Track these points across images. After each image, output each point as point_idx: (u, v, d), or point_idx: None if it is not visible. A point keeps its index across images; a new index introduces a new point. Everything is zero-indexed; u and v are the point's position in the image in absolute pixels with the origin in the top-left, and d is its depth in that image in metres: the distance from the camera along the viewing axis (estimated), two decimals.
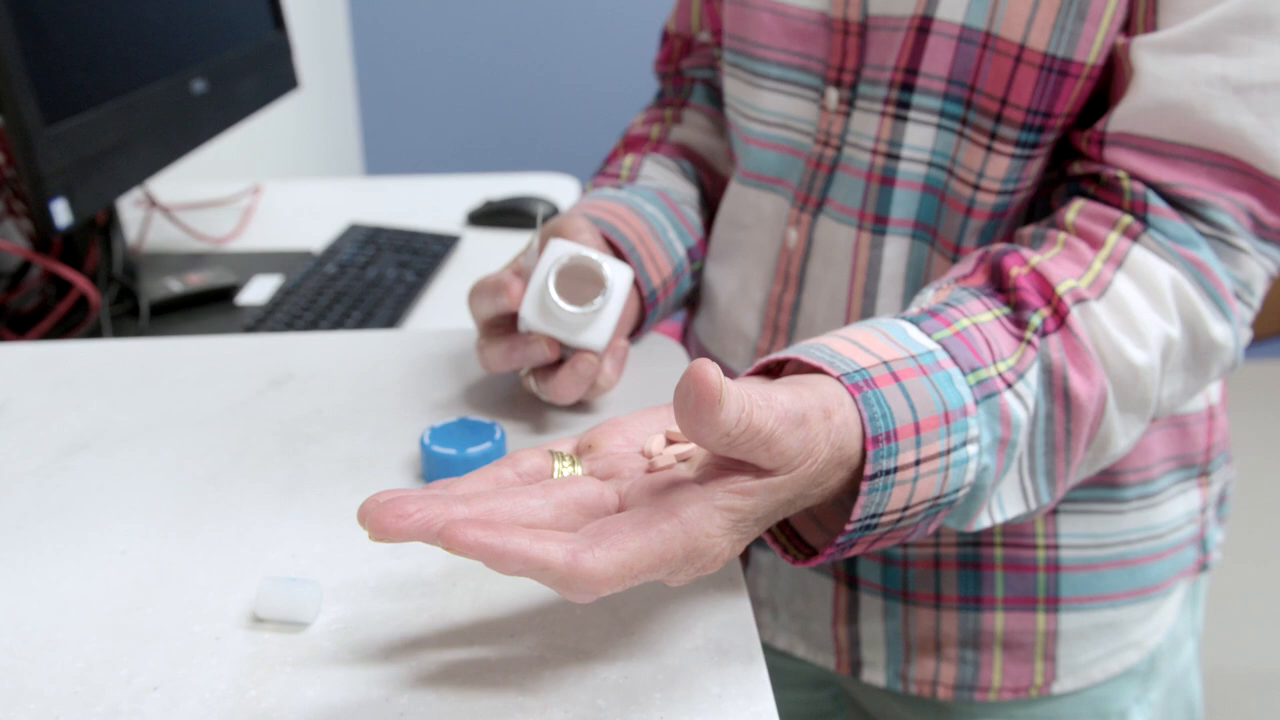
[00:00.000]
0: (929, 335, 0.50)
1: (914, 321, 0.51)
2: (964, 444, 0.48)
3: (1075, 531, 0.68)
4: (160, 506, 0.56)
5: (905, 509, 0.47)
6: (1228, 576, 1.97)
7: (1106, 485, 0.67)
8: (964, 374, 0.49)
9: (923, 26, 0.59)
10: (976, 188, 0.60)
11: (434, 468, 0.57)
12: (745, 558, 0.76)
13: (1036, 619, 0.69)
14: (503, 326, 0.63)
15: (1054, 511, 0.67)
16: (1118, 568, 0.69)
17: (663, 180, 0.75)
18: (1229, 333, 0.55)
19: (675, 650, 0.46)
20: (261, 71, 1.28)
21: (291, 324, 1.02)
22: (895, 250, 0.64)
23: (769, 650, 0.77)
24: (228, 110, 1.20)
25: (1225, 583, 1.98)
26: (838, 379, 0.46)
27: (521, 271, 0.62)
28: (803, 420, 0.42)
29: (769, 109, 0.69)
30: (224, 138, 1.49)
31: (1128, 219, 0.55)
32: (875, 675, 0.73)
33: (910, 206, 0.63)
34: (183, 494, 0.57)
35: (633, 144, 0.79)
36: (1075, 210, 0.57)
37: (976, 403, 0.49)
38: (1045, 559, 0.68)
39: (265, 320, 1.02)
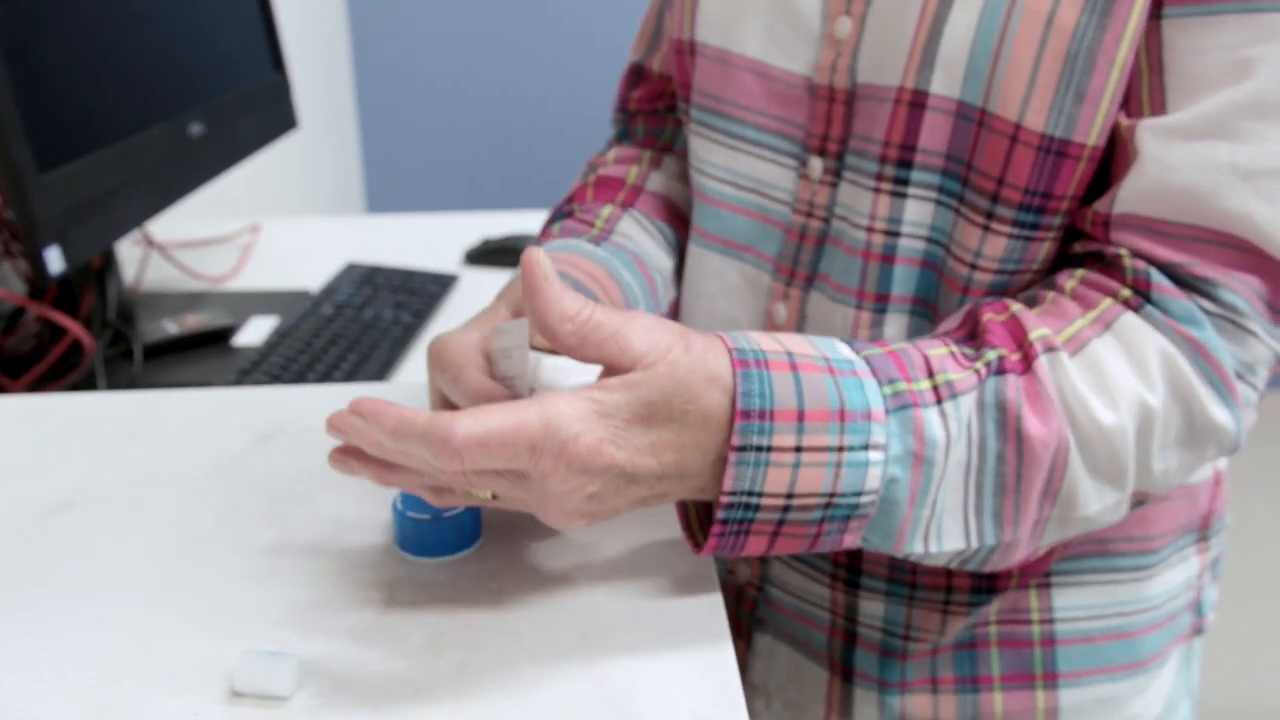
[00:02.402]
0: (858, 353, 0.51)
1: (849, 342, 0.53)
2: (864, 447, 0.48)
3: (1070, 604, 0.66)
4: (142, 571, 0.55)
5: (789, 496, 0.48)
6: (1226, 612, 1.95)
7: (1100, 555, 0.66)
8: (880, 384, 0.50)
9: (916, 101, 0.58)
10: (973, 266, 0.58)
11: (407, 532, 0.56)
12: (746, 641, 0.75)
13: (1035, 697, 0.67)
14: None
15: (1048, 585, 0.66)
16: (1115, 640, 0.67)
17: (639, 243, 0.72)
18: (1229, 416, 0.53)
19: None
20: (260, 112, 1.29)
21: (287, 367, 1.02)
22: (895, 328, 0.62)
23: None
24: (226, 152, 1.20)
25: (1222, 618, 1.96)
26: (729, 350, 0.48)
27: (493, 360, 0.55)
28: (652, 327, 0.47)
29: (743, 172, 0.67)
30: (225, 175, 1.49)
31: (1127, 292, 0.54)
32: None
33: (909, 283, 0.61)
34: (166, 558, 0.56)
35: (604, 187, 0.75)
36: (1076, 279, 0.56)
37: (888, 412, 0.49)
38: (1041, 634, 0.66)
39: (260, 364, 1.02)
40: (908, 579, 0.66)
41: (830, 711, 0.71)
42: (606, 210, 0.72)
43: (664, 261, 0.73)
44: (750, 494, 0.47)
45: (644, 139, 0.80)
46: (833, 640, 0.69)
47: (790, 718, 0.73)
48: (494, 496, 0.50)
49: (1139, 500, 0.56)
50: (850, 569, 0.67)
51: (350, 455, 0.49)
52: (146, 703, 0.46)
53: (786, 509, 0.48)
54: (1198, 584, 0.71)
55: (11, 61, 0.84)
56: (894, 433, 0.49)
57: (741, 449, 0.47)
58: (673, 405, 0.46)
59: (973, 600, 0.65)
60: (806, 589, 0.70)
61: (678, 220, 0.76)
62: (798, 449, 0.47)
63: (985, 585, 0.65)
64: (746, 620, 0.74)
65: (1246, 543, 2.26)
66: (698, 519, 0.54)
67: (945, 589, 0.65)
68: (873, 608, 0.67)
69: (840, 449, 0.48)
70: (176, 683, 0.48)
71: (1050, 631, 0.66)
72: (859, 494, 0.49)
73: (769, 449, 0.47)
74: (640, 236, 0.72)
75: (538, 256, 0.45)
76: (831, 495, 0.48)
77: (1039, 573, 0.65)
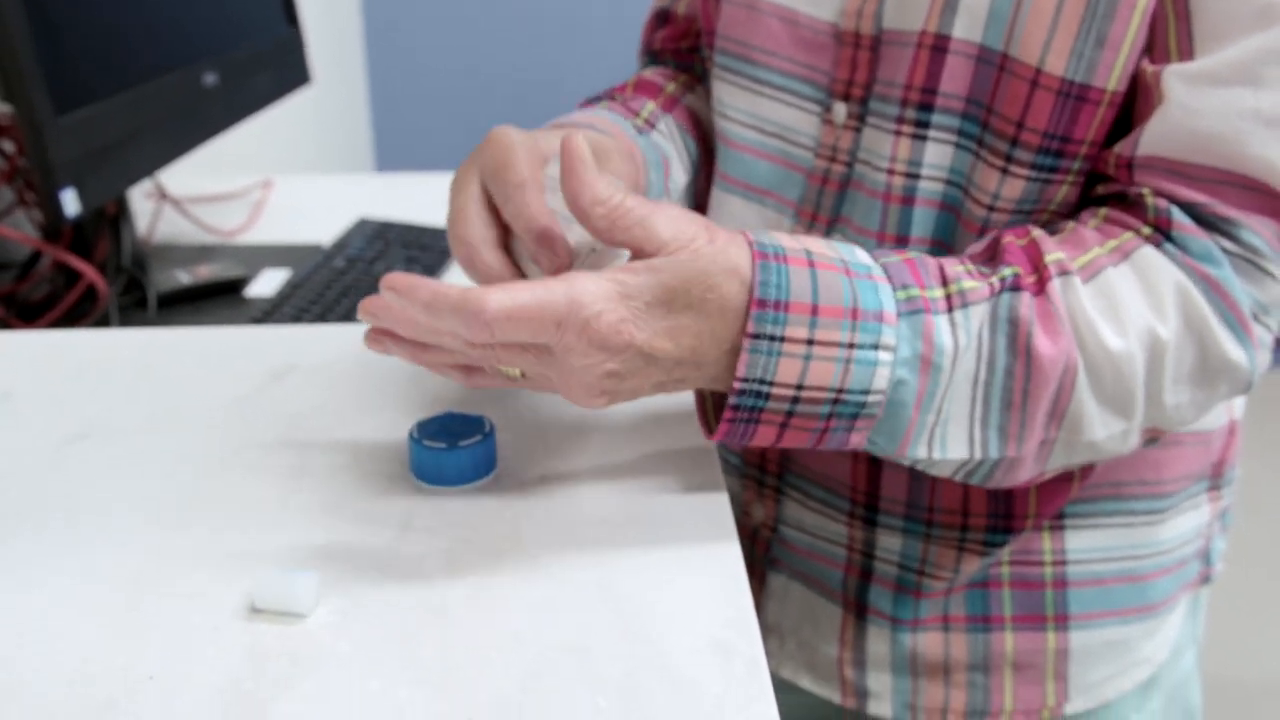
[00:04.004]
0: (875, 260, 0.53)
1: (868, 249, 0.54)
2: (874, 347, 0.50)
3: (1082, 546, 0.67)
4: (160, 497, 0.56)
5: (799, 387, 0.49)
6: (1229, 582, 1.95)
7: (1113, 498, 0.66)
8: (894, 289, 0.51)
9: (939, 45, 0.58)
10: (991, 208, 0.59)
11: (423, 461, 0.56)
12: (760, 582, 0.76)
13: (1046, 638, 0.68)
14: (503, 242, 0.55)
15: (1061, 527, 0.66)
16: (1125, 583, 0.68)
17: (670, 149, 0.73)
18: (1243, 354, 0.54)
19: (677, 649, 0.46)
20: (273, 66, 1.28)
21: (299, 317, 1.02)
22: None
23: (774, 680, 0.75)
24: (239, 104, 1.19)
25: (1227, 588, 1.96)
26: (749, 243, 0.50)
27: (544, 187, 0.53)
28: (680, 216, 0.49)
29: (767, 117, 0.67)
30: (236, 131, 1.49)
31: (1148, 230, 0.55)
32: (882, 707, 0.71)
33: (928, 225, 0.62)
34: (183, 485, 0.57)
35: (644, 88, 0.75)
36: (1099, 217, 0.57)
37: (899, 315, 0.50)
38: (1053, 575, 0.67)
39: (272, 313, 1.02)
40: (924, 515, 0.66)
41: (843, 649, 0.71)
42: (650, 105, 0.73)
43: (680, 176, 0.74)
44: (762, 382, 0.49)
45: (674, 71, 0.80)
46: (848, 577, 0.70)
47: (804, 657, 0.74)
48: (522, 375, 0.51)
49: (1152, 437, 0.56)
50: (868, 506, 0.68)
51: (385, 335, 0.51)
52: (167, 619, 0.47)
53: (796, 400, 0.50)
54: (1207, 532, 0.72)
55: (30, 4, 0.84)
56: (904, 336, 0.50)
57: (756, 336, 0.48)
58: (692, 292, 0.48)
59: (988, 539, 0.65)
60: (823, 527, 0.70)
61: (703, 141, 0.77)
62: (809, 342, 0.49)
63: (1001, 524, 0.65)
64: (760, 561, 0.75)
65: (1255, 516, 2.26)
66: (714, 409, 0.56)
67: (961, 526, 0.66)
68: (890, 542, 0.68)
69: (850, 345, 0.49)
70: (196, 600, 0.48)
71: (1062, 573, 0.67)
72: (866, 392, 0.50)
73: (782, 339, 0.49)
74: (670, 143, 0.73)
75: (578, 141, 0.47)
76: (840, 391, 0.50)
77: (1053, 514, 0.65)
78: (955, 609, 0.68)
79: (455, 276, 1.15)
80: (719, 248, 0.48)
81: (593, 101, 0.73)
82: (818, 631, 0.72)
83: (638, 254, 0.49)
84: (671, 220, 0.48)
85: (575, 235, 0.53)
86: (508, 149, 0.53)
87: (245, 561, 0.51)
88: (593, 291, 0.46)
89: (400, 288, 0.45)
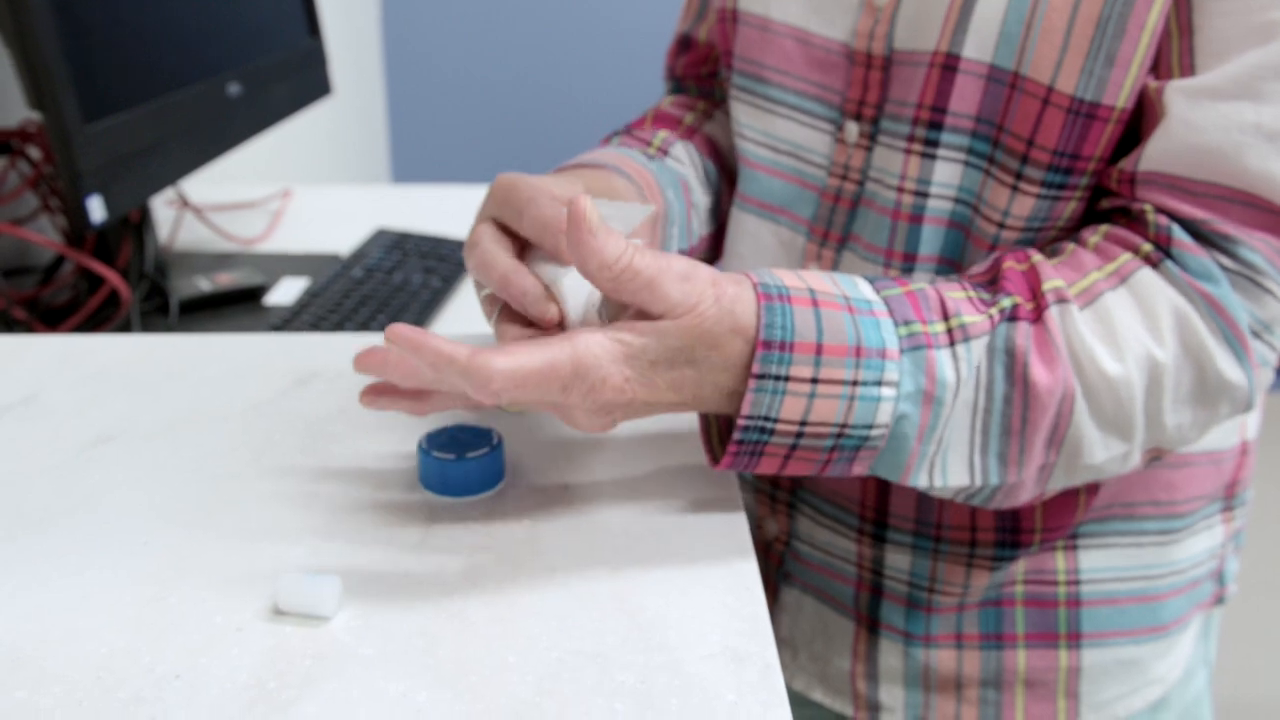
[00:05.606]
0: (878, 292, 0.53)
1: (871, 280, 0.54)
2: (877, 383, 0.50)
3: (1096, 566, 0.67)
4: (183, 500, 0.57)
5: (803, 423, 0.50)
6: (1241, 603, 1.95)
7: (1126, 518, 0.67)
8: (895, 324, 0.52)
9: (949, 64, 0.59)
10: (1001, 226, 0.60)
11: (431, 471, 0.57)
12: (774, 595, 0.76)
13: (1058, 656, 0.68)
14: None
15: (1074, 547, 0.67)
16: (1139, 603, 0.68)
17: (686, 171, 0.74)
18: (1241, 372, 0.54)
19: (691, 656, 0.46)
20: (295, 77, 1.30)
21: (318, 325, 1.03)
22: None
23: (787, 692, 0.76)
24: (261, 114, 1.21)
25: (1238, 609, 1.96)
26: (754, 285, 0.50)
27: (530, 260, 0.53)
28: (687, 276, 0.48)
29: (780, 136, 0.69)
30: (256, 141, 1.51)
31: (1148, 247, 0.55)
32: None
33: (936, 243, 0.63)
34: (206, 488, 0.58)
35: (663, 120, 0.77)
36: (1100, 234, 0.57)
37: (902, 351, 0.51)
38: (1066, 594, 0.67)
39: (292, 321, 1.03)
40: (933, 532, 0.67)
41: (856, 662, 0.72)
42: (663, 134, 0.75)
43: (701, 197, 0.75)
44: (766, 419, 0.50)
45: (697, 97, 0.82)
46: (859, 594, 0.70)
47: (817, 670, 0.74)
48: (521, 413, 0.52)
49: (1156, 455, 0.57)
50: (876, 523, 0.68)
51: (383, 393, 0.51)
52: (191, 620, 0.48)
53: (800, 435, 0.51)
54: (1221, 553, 0.72)
55: (61, 15, 0.86)
56: (907, 371, 0.51)
57: (761, 377, 0.49)
58: (696, 351, 0.49)
59: (997, 555, 0.66)
60: (833, 543, 0.71)
61: (723, 165, 0.78)
62: (814, 380, 0.50)
63: (1009, 540, 0.66)
64: (774, 575, 0.76)
65: (1266, 537, 2.25)
66: (718, 434, 0.56)
67: (970, 543, 0.66)
68: (899, 560, 0.68)
69: (854, 383, 0.50)
70: (220, 602, 0.49)
71: (1076, 593, 0.67)
72: (870, 427, 0.51)
73: (786, 378, 0.49)
74: (688, 166, 0.74)
75: (586, 205, 0.47)
76: (843, 426, 0.51)
77: (1064, 532, 0.66)
78: (969, 626, 0.68)
79: (471, 288, 1.16)
80: (724, 308, 0.49)
81: (607, 139, 0.75)
82: (830, 645, 0.73)
83: (643, 313, 0.49)
84: (679, 281, 0.48)
85: (580, 298, 0.52)
86: (511, 183, 0.54)
87: (269, 565, 0.51)
88: (597, 353, 0.47)
89: (406, 342, 0.45)
